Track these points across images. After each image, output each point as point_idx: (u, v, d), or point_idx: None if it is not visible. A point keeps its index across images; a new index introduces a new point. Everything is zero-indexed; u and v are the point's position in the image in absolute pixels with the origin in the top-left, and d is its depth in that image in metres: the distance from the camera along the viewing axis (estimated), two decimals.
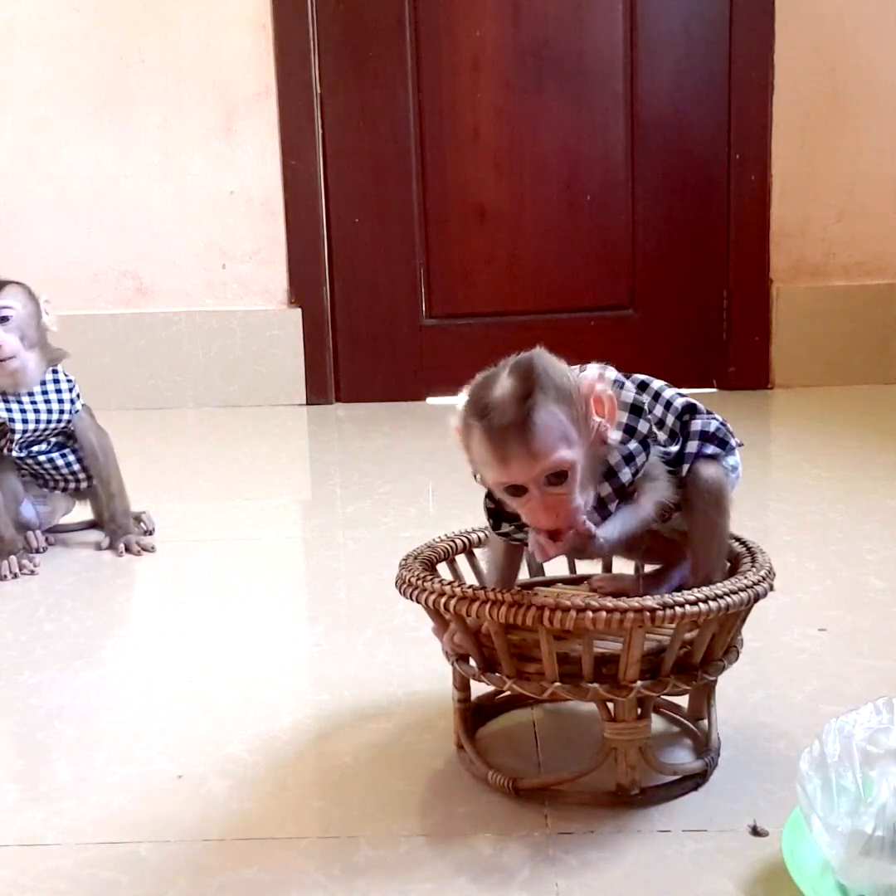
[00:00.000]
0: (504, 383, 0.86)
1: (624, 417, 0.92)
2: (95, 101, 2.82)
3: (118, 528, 1.71)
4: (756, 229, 2.85)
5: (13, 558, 1.61)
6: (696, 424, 0.96)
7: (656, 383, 0.99)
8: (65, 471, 1.72)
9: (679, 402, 0.98)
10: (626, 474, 0.92)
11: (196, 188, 2.85)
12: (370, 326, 2.91)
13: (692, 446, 0.96)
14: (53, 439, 1.71)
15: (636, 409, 0.93)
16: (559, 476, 0.86)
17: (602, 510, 0.92)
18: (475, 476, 0.92)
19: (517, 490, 0.87)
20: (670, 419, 0.97)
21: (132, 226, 2.86)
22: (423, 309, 2.91)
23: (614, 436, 0.90)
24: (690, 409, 0.98)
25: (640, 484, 0.93)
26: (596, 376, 0.90)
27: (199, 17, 2.78)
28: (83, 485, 1.74)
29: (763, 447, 2.32)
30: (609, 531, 0.91)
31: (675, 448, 0.96)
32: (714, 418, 0.98)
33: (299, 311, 2.87)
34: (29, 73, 2.80)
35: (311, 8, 2.79)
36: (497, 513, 0.95)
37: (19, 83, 2.81)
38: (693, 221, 2.88)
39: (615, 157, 2.86)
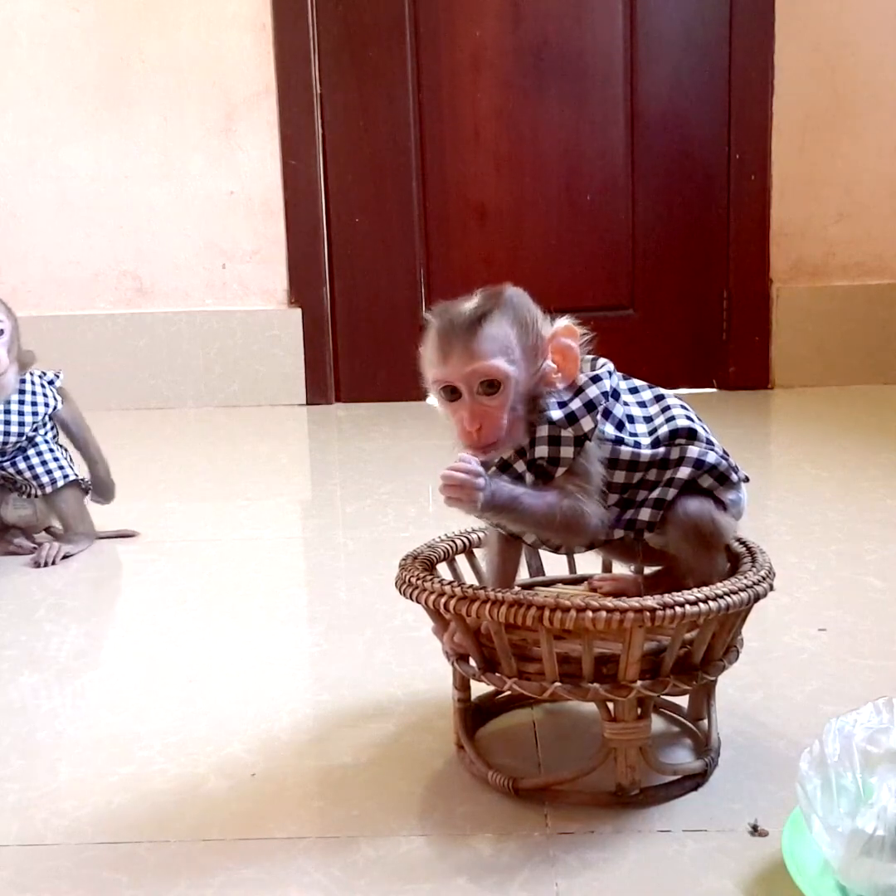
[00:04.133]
0: (472, 299, 0.91)
1: (580, 379, 0.93)
2: (95, 101, 2.82)
3: (107, 492, 1.78)
4: (756, 229, 2.85)
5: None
6: (693, 451, 0.94)
7: (670, 396, 0.98)
8: (27, 474, 1.70)
9: (681, 423, 0.95)
10: (541, 450, 0.91)
11: (196, 188, 2.85)
12: (370, 326, 2.91)
13: (684, 472, 0.94)
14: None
15: (594, 378, 0.93)
16: (492, 385, 0.89)
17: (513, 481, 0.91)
18: (427, 392, 0.93)
19: (453, 393, 0.90)
20: (663, 429, 0.95)
21: (132, 226, 2.86)
22: (423, 309, 2.91)
23: (556, 408, 0.90)
24: (690, 433, 0.95)
25: (563, 478, 0.91)
26: (565, 328, 0.93)
27: (199, 17, 2.78)
28: (46, 490, 1.70)
29: (763, 447, 2.32)
30: (498, 488, 0.89)
31: (648, 451, 0.94)
32: (713, 449, 0.96)
33: (299, 311, 2.87)
34: (29, 73, 2.80)
35: (311, 8, 2.79)
36: None
37: (19, 83, 2.81)
38: (693, 221, 2.88)
39: (615, 157, 2.86)
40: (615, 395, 0.95)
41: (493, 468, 0.93)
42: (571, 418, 0.91)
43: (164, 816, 0.94)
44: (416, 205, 2.88)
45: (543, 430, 0.91)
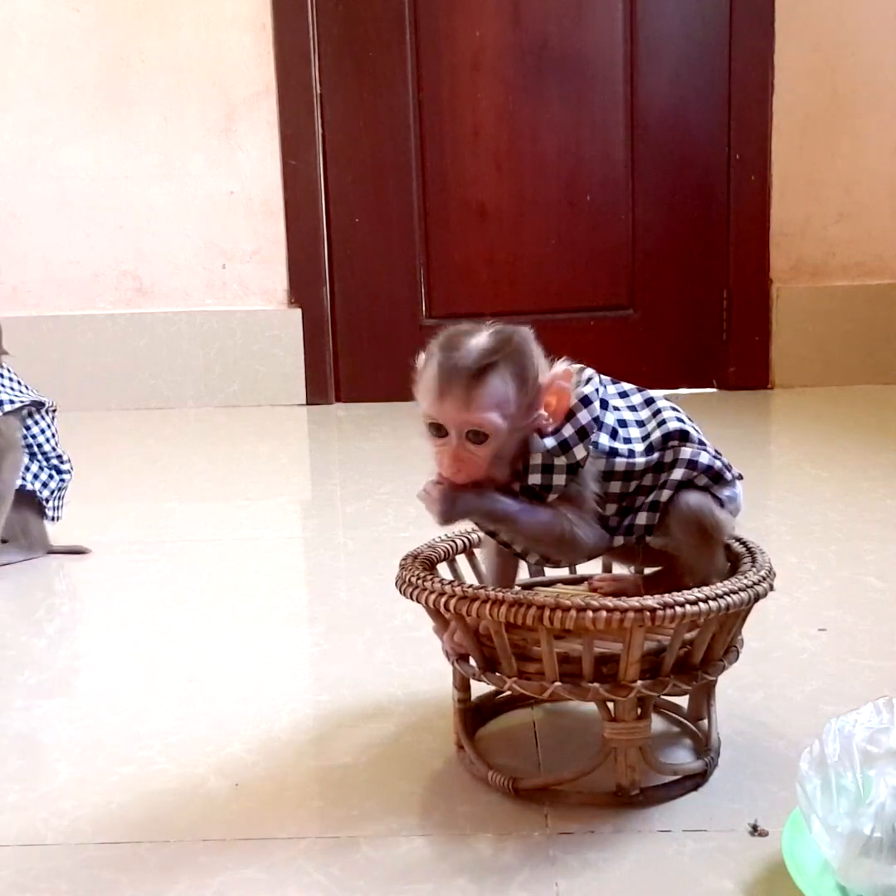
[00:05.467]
0: (482, 337, 0.90)
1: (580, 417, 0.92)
2: (95, 101, 2.82)
3: None
4: (756, 229, 2.85)
5: None
6: (686, 452, 0.95)
7: (659, 401, 0.98)
8: None
9: (672, 426, 0.95)
10: (535, 478, 0.92)
11: (196, 188, 2.85)
12: (370, 326, 2.91)
13: (678, 473, 0.94)
14: None
15: (585, 400, 0.93)
16: (480, 436, 0.89)
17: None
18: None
19: (440, 431, 0.90)
20: (656, 434, 0.95)
21: (132, 226, 2.86)
22: (423, 309, 2.91)
23: (549, 436, 0.91)
24: (682, 435, 0.95)
25: (556, 502, 0.92)
26: (563, 372, 0.92)
27: (199, 17, 2.78)
28: None
29: (763, 447, 2.32)
30: (496, 502, 0.91)
31: (643, 459, 0.94)
32: (705, 450, 0.96)
33: (299, 311, 2.87)
34: (29, 73, 2.80)
35: (311, 8, 2.79)
36: None
37: (19, 83, 2.81)
38: (693, 221, 2.88)
39: (615, 157, 2.86)
40: (603, 403, 0.95)
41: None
42: (564, 446, 0.91)
43: (164, 816, 0.94)
44: (416, 205, 2.88)
45: (537, 459, 0.92)
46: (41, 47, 2.80)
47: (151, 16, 2.78)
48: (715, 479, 0.96)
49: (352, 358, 2.92)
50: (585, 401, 0.93)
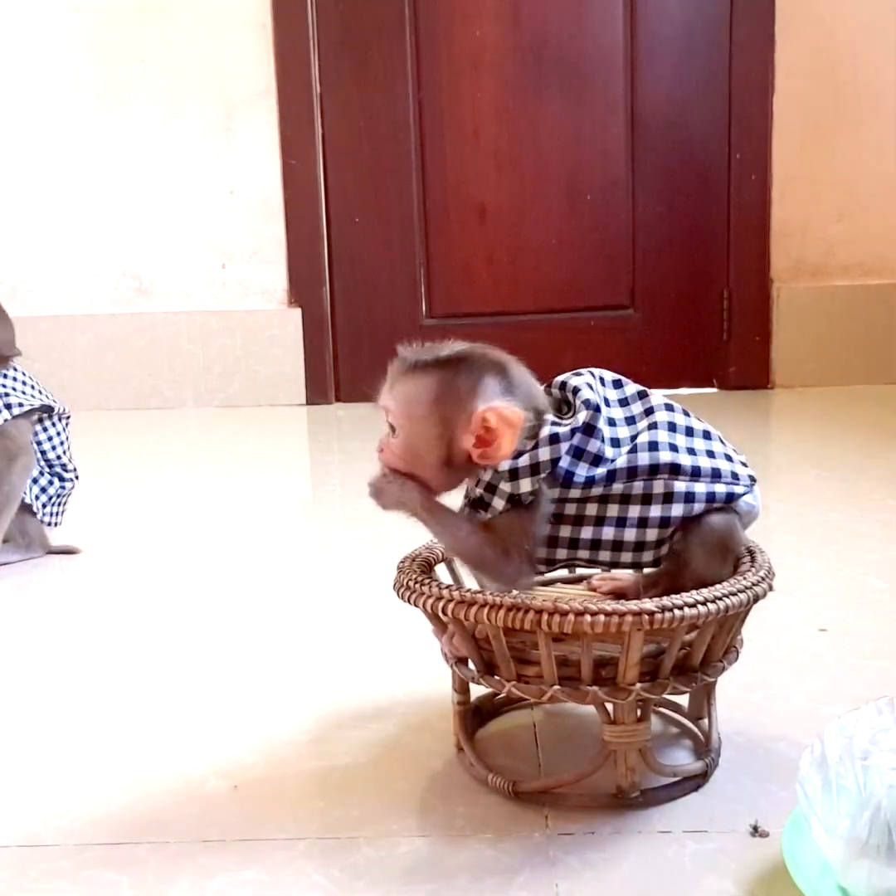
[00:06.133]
0: (447, 347, 0.94)
1: (543, 434, 0.91)
2: (95, 101, 2.81)
3: None
4: (756, 229, 2.85)
5: None
6: (680, 487, 0.92)
7: (659, 410, 0.95)
8: None
9: (663, 459, 0.92)
10: (477, 491, 0.93)
11: (196, 188, 2.85)
12: (370, 326, 2.90)
13: (677, 510, 0.92)
14: None
15: (554, 439, 0.91)
16: (393, 428, 0.94)
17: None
18: None
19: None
20: (644, 459, 0.92)
21: (132, 226, 2.86)
22: (423, 309, 2.91)
23: (511, 459, 0.91)
24: (673, 469, 0.92)
25: (484, 524, 0.93)
26: (488, 409, 0.90)
27: (199, 17, 2.78)
28: None
29: (763, 447, 2.32)
30: (411, 494, 0.93)
31: (621, 486, 0.92)
32: (700, 480, 0.93)
33: (299, 311, 2.87)
34: (29, 74, 2.80)
35: (311, 8, 2.79)
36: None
37: (19, 83, 2.80)
38: (693, 221, 2.88)
39: (615, 157, 2.86)
40: (610, 421, 0.93)
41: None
42: (513, 474, 0.91)
43: (164, 816, 0.94)
44: (416, 205, 2.88)
45: (487, 476, 0.92)
46: (41, 47, 2.79)
47: (151, 16, 2.78)
48: (728, 498, 0.94)
49: (352, 358, 2.91)
50: (553, 438, 0.91)
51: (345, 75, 2.83)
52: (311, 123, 2.82)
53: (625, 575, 1.05)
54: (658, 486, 0.93)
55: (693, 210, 2.87)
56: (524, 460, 0.91)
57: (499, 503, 0.92)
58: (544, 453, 0.91)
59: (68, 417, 1.71)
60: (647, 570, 1.04)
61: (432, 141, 2.86)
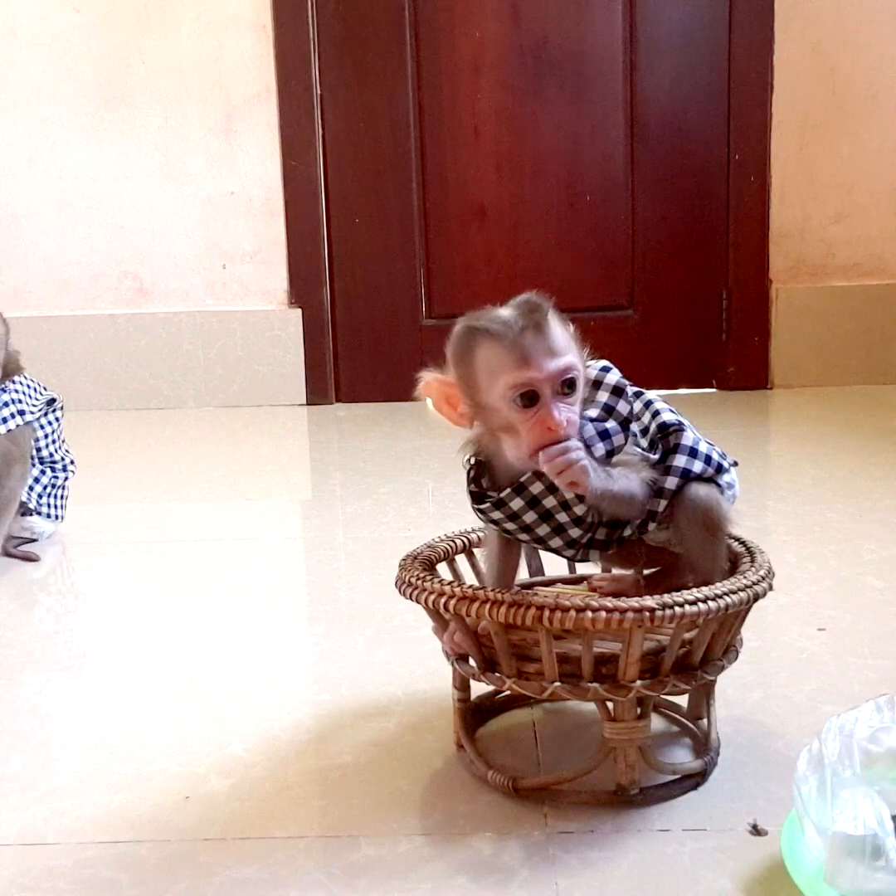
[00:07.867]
0: (508, 309, 0.89)
1: (604, 397, 0.93)
2: (95, 101, 2.82)
3: None
4: (756, 229, 2.85)
5: None
6: (680, 461, 0.94)
7: (650, 395, 0.99)
8: None
9: (667, 417, 0.96)
10: (599, 449, 0.90)
11: (196, 188, 2.85)
12: (370, 326, 2.91)
13: (680, 460, 0.94)
14: None
15: (617, 391, 0.94)
16: (571, 385, 0.87)
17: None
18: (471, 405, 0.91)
19: (530, 399, 0.86)
20: (653, 427, 0.96)
21: (132, 226, 2.86)
22: (423, 309, 2.91)
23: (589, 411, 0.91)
24: (678, 426, 0.95)
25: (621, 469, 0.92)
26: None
27: (199, 17, 2.79)
28: None
29: (763, 447, 2.32)
30: (602, 478, 0.88)
31: (653, 457, 0.94)
32: (696, 457, 0.95)
33: (299, 311, 2.87)
34: (29, 74, 2.80)
35: (311, 8, 2.79)
36: (480, 496, 0.95)
37: (20, 83, 2.81)
38: (693, 222, 2.88)
39: (615, 157, 2.86)
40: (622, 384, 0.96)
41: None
42: (608, 409, 0.93)
43: (164, 816, 0.94)
44: (416, 205, 2.88)
45: (592, 428, 0.91)
46: (41, 47, 2.80)
47: (152, 16, 2.78)
48: (717, 469, 0.96)
49: (352, 358, 2.92)
50: (605, 369, 0.95)
51: (345, 75, 2.83)
52: (311, 124, 2.83)
53: (625, 575, 1.05)
54: (668, 442, 0.95)
55: (692, 210, 2.87)
56: (603, 398, 0.93)
57: (618, 436, 0.92)
58: (612, 376, 0.94)
59: (61, 408, 1.73)
60: (647, 571, 1.04)
61: (432, 141, 2.86)
